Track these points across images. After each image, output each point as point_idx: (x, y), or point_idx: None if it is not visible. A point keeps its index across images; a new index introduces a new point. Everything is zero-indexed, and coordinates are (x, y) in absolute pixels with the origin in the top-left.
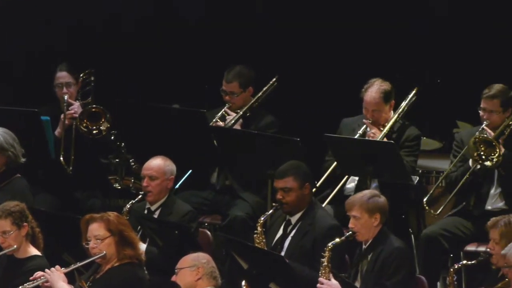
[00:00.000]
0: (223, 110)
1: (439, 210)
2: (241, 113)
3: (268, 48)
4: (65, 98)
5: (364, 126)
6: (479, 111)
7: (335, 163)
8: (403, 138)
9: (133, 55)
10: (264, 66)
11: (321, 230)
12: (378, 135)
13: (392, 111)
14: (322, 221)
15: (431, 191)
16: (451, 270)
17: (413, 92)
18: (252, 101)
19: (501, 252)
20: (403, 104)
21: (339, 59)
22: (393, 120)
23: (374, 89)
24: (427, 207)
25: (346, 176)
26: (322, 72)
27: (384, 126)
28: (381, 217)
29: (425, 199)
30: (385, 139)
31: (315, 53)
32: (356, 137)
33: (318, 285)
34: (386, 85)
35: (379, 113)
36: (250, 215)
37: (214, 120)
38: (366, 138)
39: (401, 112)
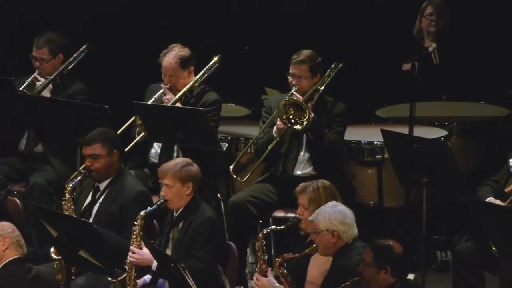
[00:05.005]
0: (32, 76)
1: (246, 177)
2: (50, 78)
3: (81, 14)
4: None
5: (161, 90)
6: (288, 77)
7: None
8: (200, 103)
9: None
10: (78, 34)
11: (129, 196)
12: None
13: (193, 77)
14: (130, 187)
15: (238, 158)
16: (260, 235)
17: (215, 59)
18: (62, 68)
19: (308, 219)
20: (203, 71)
21: (152, 26)
22: (188, 86)
23: (172, 54)
24: (234, 175)
25: (142, 134)
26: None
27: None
28: (194, 185)
29: (231, 167)
30: (178, 104)
31: (128, 20)
32: (150, 102)
33: (130, 253)
34: (184, 51)
35: (176, 78)
36: (50, 182)
37: (22, 86)
38: (163, 103)
39: (198, 78)
